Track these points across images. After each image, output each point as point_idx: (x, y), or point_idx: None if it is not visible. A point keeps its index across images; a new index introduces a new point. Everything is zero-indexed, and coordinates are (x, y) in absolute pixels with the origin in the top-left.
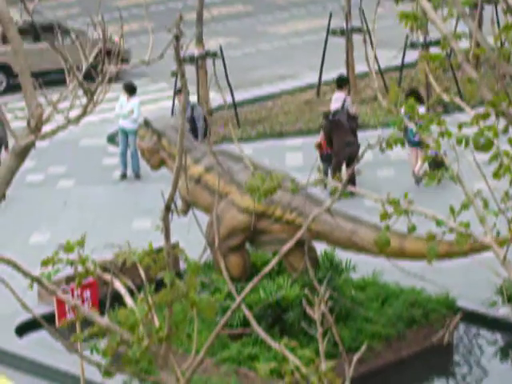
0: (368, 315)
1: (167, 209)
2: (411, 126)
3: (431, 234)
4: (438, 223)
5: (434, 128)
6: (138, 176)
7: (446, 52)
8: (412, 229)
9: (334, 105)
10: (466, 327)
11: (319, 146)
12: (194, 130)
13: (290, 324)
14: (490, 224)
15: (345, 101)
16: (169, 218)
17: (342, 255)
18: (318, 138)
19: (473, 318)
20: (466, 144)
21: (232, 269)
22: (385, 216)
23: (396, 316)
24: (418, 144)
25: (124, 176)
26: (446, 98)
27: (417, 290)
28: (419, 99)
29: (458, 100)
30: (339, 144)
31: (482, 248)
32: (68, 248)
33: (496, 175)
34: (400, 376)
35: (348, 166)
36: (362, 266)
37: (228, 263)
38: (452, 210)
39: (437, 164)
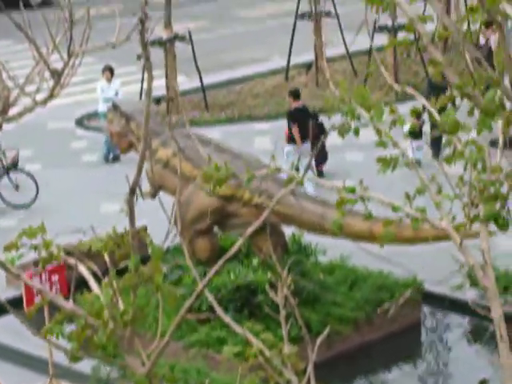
0: (336, 299)
1: (132, 192)
2: None
3: (388, 219)
4: (394, 209)
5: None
6: (117, 158)
7: (414, 35)
8: (369, 216)
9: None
10: (434, 311)
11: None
12: None
13: (259, 307)
14: (446, 209)
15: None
16: (133, 201)
17: (312, 239)
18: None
19: (440, 302)
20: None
21: (200, 252)
22: (341, 203)
23: (364, 299)
24: None
25: (107, 159)
26: (397, 87)
27: (384, 274)
28: None
29: (409, 89)
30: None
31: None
32: (30, 233)
33: (448, 160)
34: (368, 360)
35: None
36: (330, 249)
37: (196, 247)
38: (407, 195)
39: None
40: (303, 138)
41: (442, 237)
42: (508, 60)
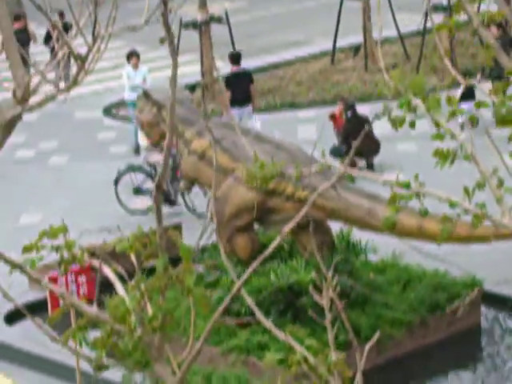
0: (388, 300)
1: (158, 188)
2: None
3: (446, 216)
4: (452, 205)
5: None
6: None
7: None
8: (424, 213)
9: None
10: (494, 312)
11: (333, 118)
12: None
13: (304, 310)
14: (507, 204)
15: None
16: (160, 198)
17: (361, 236)
18: (336, 109)
19: (502, 303)
20: (474, 121)
21: (240, 251)
22: (394, 199)
23: (418, 301)
24: None
25: (137, 150)
26: (455, 74)
27: (441, 273)
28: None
29: (476, 81)
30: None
31: (508, 235)
32: (51, 233)
33: None
34: (423, 366)
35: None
36: (382, 247)
37: (236, 245)
38: (466, 190)
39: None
40: (243, 102)
41: (503, 235)
42: None
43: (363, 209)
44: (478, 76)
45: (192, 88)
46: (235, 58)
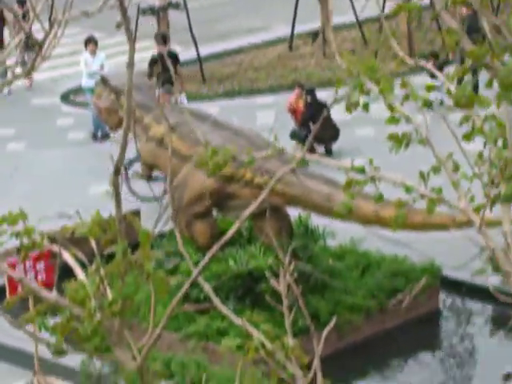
0: (347, 286)
1: (116, 172)
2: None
3: (401, 201)
4: (408, 190)
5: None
6: (107, 136)
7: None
8: (379, 198)
9: None
10: (452, 297)
11: (293, 111)
12: None
13: (263, 296)
14: (464, 189)
15: None
16: (118, 182)
17: (320, 221)
18: (290, 97)
19: (460, 288)
20: (426, 104)
21: (199, 237)
22: (349, 184)
23: (377, 286)
24: None
25: (96, 137)
26: (409, 60)
27: (399, 259)
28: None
29: (422, 63)
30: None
31: (464, 223)
32: (10, 220)
33: (467, 137)
34: (382, 351)
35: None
36: (340, 232)
37: (195, 231)
38: (422, 175)
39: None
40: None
41: (458, 223)
42: None
43: (322, 194)
44: (451, 56)
45: (150, 74)
46: (160, 39)
